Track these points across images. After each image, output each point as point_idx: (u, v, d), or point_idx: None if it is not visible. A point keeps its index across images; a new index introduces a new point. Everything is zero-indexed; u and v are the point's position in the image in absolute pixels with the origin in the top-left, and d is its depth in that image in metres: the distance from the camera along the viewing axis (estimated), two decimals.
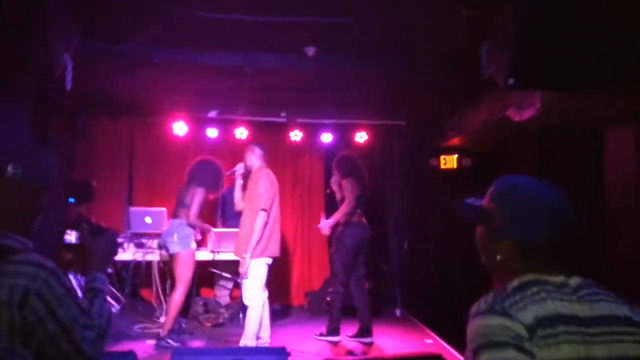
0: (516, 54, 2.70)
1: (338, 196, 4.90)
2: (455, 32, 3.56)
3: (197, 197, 4.52)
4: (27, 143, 1.51)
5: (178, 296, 4.44)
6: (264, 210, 4.09)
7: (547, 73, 2.83)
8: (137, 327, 4.93)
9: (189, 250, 4.52)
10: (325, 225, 4.85)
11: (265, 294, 4.35)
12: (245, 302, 4.20)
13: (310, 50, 4.12)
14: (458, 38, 3.62)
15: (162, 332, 4.42)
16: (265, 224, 4.12)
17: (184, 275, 4.46)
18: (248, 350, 3.33)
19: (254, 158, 4.37)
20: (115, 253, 1.64)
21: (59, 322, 1.25)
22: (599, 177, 4.44)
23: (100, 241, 1.57)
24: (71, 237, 1.34)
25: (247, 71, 4.11)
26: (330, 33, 3.83)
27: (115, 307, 5.07)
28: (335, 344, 4.66)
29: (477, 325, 1.06)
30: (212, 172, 4.69)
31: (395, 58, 4.29)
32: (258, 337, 4.22)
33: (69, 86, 3.01)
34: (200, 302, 5.32)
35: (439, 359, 2.52)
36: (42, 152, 1.44)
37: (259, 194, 4.13)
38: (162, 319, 5.00)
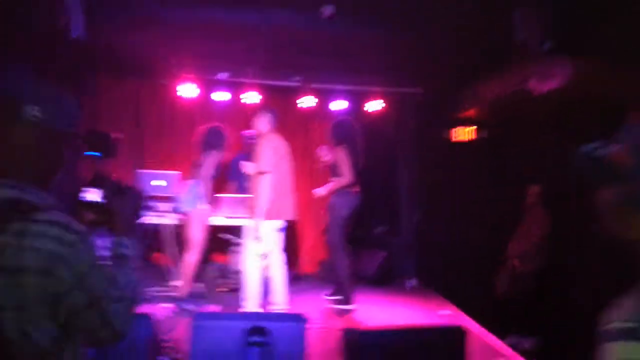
0: (554, 18, 2.55)
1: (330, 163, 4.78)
2: None
3: (209, 158, 4.57)
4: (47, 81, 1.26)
5: (190, 257, 4.47)
6: (261, 172, 4.06)
7: (583, 40, 2.70)
8: (149, 291, 4.91)
9: (199, 210, 4.53)
10: (319, 192, 4.84)
11: (282, 258, 4.34)
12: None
13: (327, 10, 3.95)
14: (481, 3, 3.45)
15: (181, 295, 4.45)
16: (270, 187, 4.07)
17: (195, 235, 4.50)
18: (267, 316, 3.36)
19: (263, 124, 4.34)
20: (141, 215, 1.54)
21: (87, 293, 1.10)
22: None
23: (125, 201, 1.44)
24: (93, 195, 1.26)
25: (262, 30, 3.95)
26: None
27: None
28: (347, 312, 4.63)
29: (614, 356, 0.80)
30: (216, 134, 4.71)
31: (414, 23, 4.13)
32: (269, 302, 4.22)
33: (75, 33, 2.81)
34: (214, 268, 5.33)
35: (459, 331, 2.48)
36: (64, 93, 1.22)
37: (258, 157, 4.13)
38: (173, 283, 4.99)
